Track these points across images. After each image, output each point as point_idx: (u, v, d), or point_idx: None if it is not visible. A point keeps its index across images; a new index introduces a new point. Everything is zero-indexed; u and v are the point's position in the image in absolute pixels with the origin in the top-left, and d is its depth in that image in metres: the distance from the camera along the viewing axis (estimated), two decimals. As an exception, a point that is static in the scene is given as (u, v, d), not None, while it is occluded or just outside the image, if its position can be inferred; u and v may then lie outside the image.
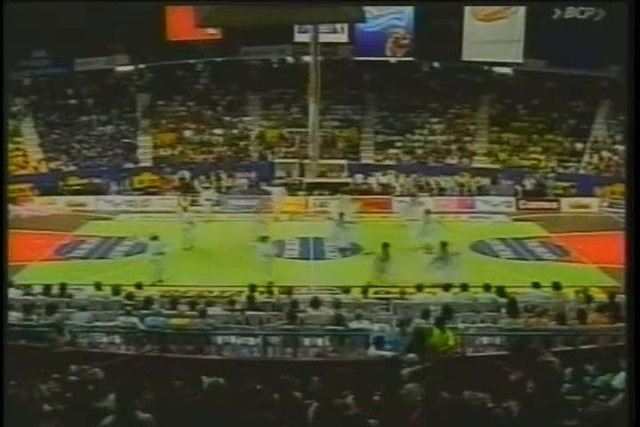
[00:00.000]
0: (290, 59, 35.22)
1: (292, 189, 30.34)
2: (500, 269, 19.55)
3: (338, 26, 32.72)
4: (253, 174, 31.73)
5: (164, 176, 31.46)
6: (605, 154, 31.38)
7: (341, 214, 22.54)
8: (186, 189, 30.52)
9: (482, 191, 30.61)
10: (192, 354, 11.17)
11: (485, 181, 31.00)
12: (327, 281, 18.14)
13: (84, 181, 30.67)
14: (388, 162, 32.78)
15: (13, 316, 11.69)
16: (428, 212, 22.94)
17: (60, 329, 11.12)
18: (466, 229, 25.26)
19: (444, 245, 18.52)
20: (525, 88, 33.88)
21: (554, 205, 29.20)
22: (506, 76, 34.59)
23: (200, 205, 27.76)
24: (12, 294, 13.28)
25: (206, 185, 30.34)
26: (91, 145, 33.20)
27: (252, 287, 14.38)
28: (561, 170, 31.45)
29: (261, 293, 14.62)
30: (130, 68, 34.72)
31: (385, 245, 18.39)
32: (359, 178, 31.46)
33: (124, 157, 32.96)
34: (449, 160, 32.81)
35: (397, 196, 29.97)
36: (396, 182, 31.18)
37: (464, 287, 14.56)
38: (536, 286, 14.56)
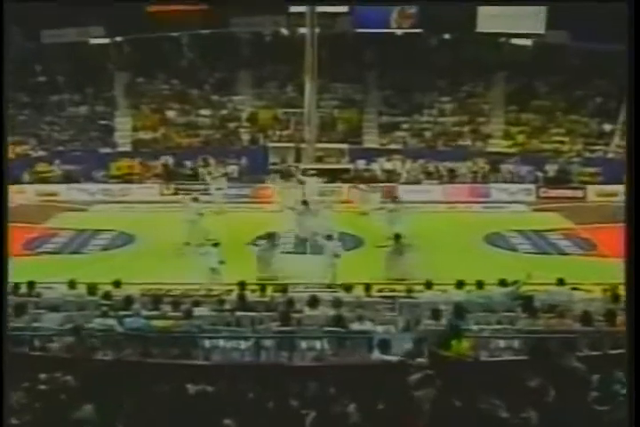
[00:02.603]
0: (284, 31, 35.13)
1: (288, 176, 30.27)
2: (518, 265, 19.55)
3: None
4: (244, 160, 31.71)
5: (145, 162, 31.41)
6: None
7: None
8: (169, 176, 30.52)
9: (498, 178, 30.60)
10: (177, 359, 11.15)
11: (501, 167, 31.00)
12: (326, 278, 18.03)
13: (55, 167, 30.63)
14: (393, 146, 32.77)
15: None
16: (394, 199, 23.03)
17: (30, 332, 11.11)
18: (479, 221, 25.28)
19: (397, 237, 18.62)
20: (547, 63, 33.79)
21: (579, 193, 29.19)
22: (525, 50, 34.50)
23: (206, 194, 27.36)
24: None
25: (216, 173, 30.06)
26: (62, 128, 33.14)
27: (243, 285, 14.37)
28: (587, 154, 31.46)
29: (253, 291, 14.62)
30: (106, 40, 34.58)
31: (397, 237, 18.54)
32: (361, 164, 31.45)
33: (100, 140, 32.90)
34: (461, 144, 32.78)
35: (404, 183, 29.99)
36: (402, 169, 31.16)
37: (479, 285, 14.57)
38: (559, 282, 14.56)
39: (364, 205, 26.43)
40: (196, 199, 23.58)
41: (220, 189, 27.75)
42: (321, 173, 30.08)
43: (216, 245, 18.23)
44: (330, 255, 18.19)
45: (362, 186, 27.89)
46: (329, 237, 18.96)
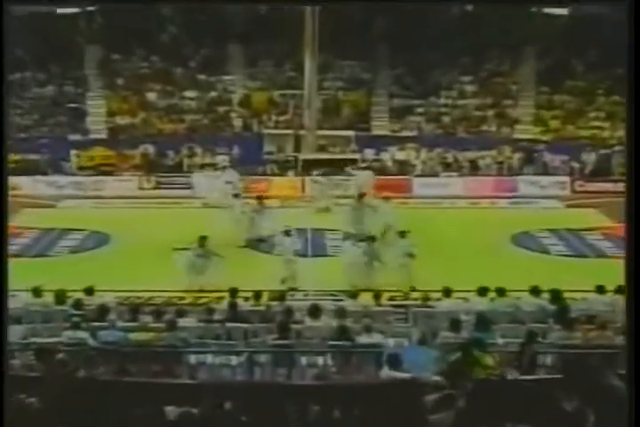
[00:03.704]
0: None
1: (285, 167, 30.32)
2: (550, 269, 19.56)
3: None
4: (236, 149, 31.71)
5: (122, 151, 31.48)
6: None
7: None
8: (149, 167, 30.54)
9: (527, 170, 30.61)
10: (158, 377, 11.16)
11: (531, 157, 30.98)
12: (329, 284, 18.21)
13: (18, 157, 30.58)
14: (406, 133, 32.81)
15: None
16: (360, 196, 23.04)
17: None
18: (505, 218, 25.34)
19: (202, 239, 18.56)
20: (584, 36, 33.71)
21: (620, 186, 29.17)
22: (559, 21, 34.42)
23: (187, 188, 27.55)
24: None
25: (224, 164, 30.20)
26: (25, 111, 33.16)
27: (234, 292, 14.39)
28: (629, 142, 31.44)
29: (246, 298, 14.64)
30: (74, 10, 34.51)
31: (202, 239, 18.42)
32: (370, 153, 31.47)
33: (70, 126, 32.93)
34: (484, 130, 32.76)
35: (418, 176, 29.99)
36: (417, 159, 31.17)
37: (502, 292, 14.59)
38: (599, 290, 14.57)
39: (322, 201, 26.50)
40: (237, 195, 23.61)
41: (229, 182, 27.38)
42: (324, 164, 30.13)
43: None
44: (401, 255, 18.09)
45: (320, 178, 27.90)
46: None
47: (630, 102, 6.95)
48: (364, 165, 30.18)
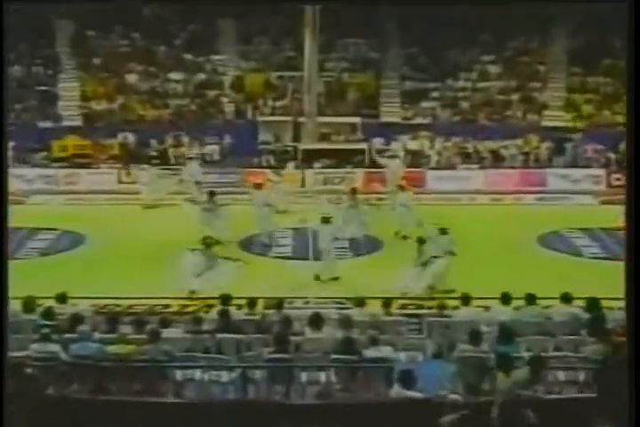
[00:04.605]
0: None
1: (283, 159, 30.32)
2: (583, 273, 19.56)
3: None
4: (227, 139, 31.72)
5: (99, 141, 31.51)
6: None
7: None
8: (129, 158, 30.53)
9: (556, 161, 30.58)
10: (139, 396, 11.18)
11: (562, 147, 30.97)
12: (333, 290, 18.28)
13: (-19, 147, 30.66)
14: (419, 120, 32.82)
15: None
16: (353, 192, 23.11)
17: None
18: (532, 216, 25.32)
19: None
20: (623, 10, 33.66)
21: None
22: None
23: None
24: None
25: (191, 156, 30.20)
26: (-10, 95, 33.16)
27: (226, 299, 14.38)
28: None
29: (239, 307, 14.63)
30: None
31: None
32: (378, 143, 31.46)
33: (40, 112, 32.94)
34: (508, 116, 32.76)
35: (433, 169, 29.99)
36: (432, 149, 31.17)
37: (531, 299, 14.59)
38: None
39: (152, 195, 26.68)
40: (259, 186, 23.66)
41: (192, 178, 27.70)
42: (326, 154, 30.14)
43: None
44: (443, 252, 18.31)
45: (145, 166, 28.23)
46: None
47: (630, 102, 7.65)
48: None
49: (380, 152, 30.62)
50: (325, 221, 19.71)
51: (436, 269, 18.15)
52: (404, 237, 21.88)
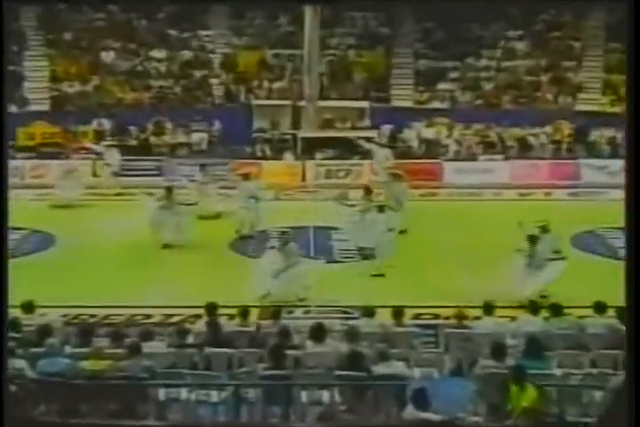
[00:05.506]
0: None
1: (281, 148, 30.34)
2: (621, 278, 19.48)
3: None
4: (217, 125, 31.73)
5: (70, 128, 31.54)
6: None
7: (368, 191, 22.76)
8: (105, 148, 30.51)
9: (592, 152, 30.58)
10: (116, 418, 11.15)
11: (598, 135, 30.95)
12: (337, 297, 18.21)
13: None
14: (435, 104, 32.87)
15: None
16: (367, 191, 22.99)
17: None
18: (564, 213, 25.23)
19: None
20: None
21: None
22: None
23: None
24: None
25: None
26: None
27: (212, 308, 14.34)
28: None
29: (230, 316, 14.59)
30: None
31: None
32: (389, 130, 31.46)
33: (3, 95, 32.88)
34: (538, 99, 32.78)
35: (451, 160, 29.98)
36: (449, 138, 31.18)
37: (559, 308, 14.55)
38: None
39: (65, 192, 26.84)
40: (246, 176, 23.79)
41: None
42: (329, 144, 30.14)
43: None
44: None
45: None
46: None
47: (630, 102, 7.98)
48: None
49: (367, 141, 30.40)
50: (381, 210, 20.18)
51: (550, 273, 18.13)
52: None
